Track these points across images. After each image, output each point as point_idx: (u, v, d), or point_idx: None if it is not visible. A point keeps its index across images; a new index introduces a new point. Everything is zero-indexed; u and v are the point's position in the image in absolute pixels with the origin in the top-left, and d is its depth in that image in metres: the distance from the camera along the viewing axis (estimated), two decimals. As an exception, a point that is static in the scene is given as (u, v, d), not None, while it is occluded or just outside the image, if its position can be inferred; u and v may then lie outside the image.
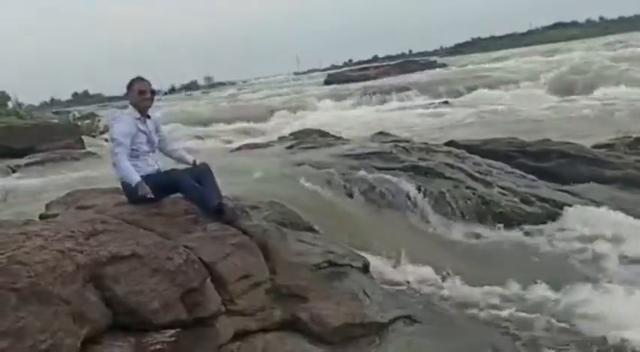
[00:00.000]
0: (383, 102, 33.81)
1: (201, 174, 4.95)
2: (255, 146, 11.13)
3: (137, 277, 3.79)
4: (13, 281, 3.25)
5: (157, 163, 5.07)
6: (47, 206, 5.42)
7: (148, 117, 5.07)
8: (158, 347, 3.65)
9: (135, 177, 4.73)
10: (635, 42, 43.91)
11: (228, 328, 4.11)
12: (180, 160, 5.29)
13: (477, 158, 9.37)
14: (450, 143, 10.50)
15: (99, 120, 23.89)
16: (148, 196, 4.72)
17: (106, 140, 5.06)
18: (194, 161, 5.17)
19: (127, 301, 3.65)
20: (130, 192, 4.88)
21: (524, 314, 4.67)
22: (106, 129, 20.17)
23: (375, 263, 5.36)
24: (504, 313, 4.70)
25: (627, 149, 9.86)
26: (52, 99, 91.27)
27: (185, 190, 4.88)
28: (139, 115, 4.98)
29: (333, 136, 11.22)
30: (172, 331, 3.78)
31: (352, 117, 27.30)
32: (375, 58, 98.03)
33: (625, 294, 5.00)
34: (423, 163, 8.26)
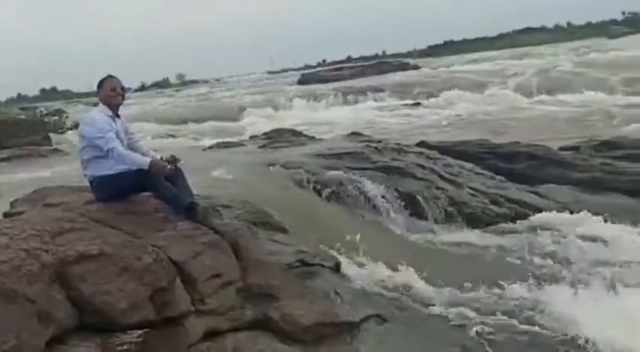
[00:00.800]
0: (357, 102, 33.94)
1: (172, 173, 4.88)
2: (228, 145, 11.05)
3: (104, 276, 3.73)
4: (-24, 281, 3.18)
5: None
6: (12, 203, 5.29)
7: (118, 116, 5.00)
8: (125, 347, 3.61)
9: (145, 160, 4.68)
10: (600, 47, 45.08)
11: (197, 328, 4.08)
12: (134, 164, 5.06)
13: (448, 159, 9.47)
14: (421, 144, 10.61)
15: (67, 117, 23.42)
16: (169, 168, 4.71)
17: (82, 137, 4.87)
18: (152, 161, 4.90)
19: (93, 301, 3.60)
20: (101, 189, 4.80)
21: (491, 315, 4.73)
22: (74, 126, 19.81)
23: (346, 263, 5.37)
24: (471, 313, 4.75)
25: (593, 152, 10.08)
26: (19, 95, 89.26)
27: (157, 189, 4.81)
28: (110, 113, 4.93)
29: (306, 136, 11.22)
30: (140, 331, 3.74)
31: (326, 118, 27.40)
32: (349, 59, 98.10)
33: (588, 294, 5.10)
34: (394, 163, 8.32)
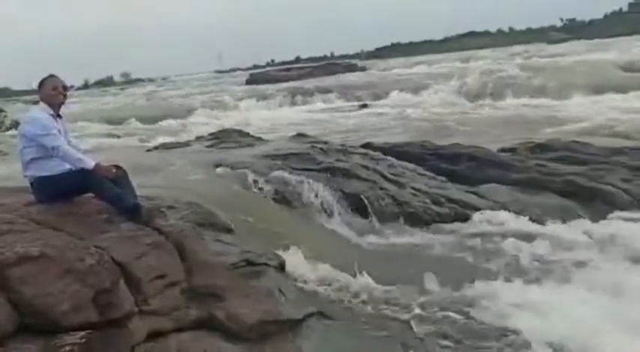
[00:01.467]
0: (305, 103, 34.17)
1: (118, 177, 4.88)
2: (173, 145, 10.98)
3: (46, 278, 3.71)
4: None
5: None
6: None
7: (60, 116, 4.95)
8: (67, 349, 3.59)
9: (90, 162, 4.65)
10: (539, 52, 46.91)
11: (141, 328, 4.10)
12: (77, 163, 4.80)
13: (392, 160, 9.68)
14: (366, 145, 10.80)
15: (5, 116, 22.65)
16: (113, 171, 4.74)
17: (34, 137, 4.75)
18: (97, 164, 4.78)
19: (34, 303, 3.58)
20: (42, 190, 4.74)
21: (429, 310, 4.94)
22: (13, 125, 19.18)
23: (290, 261, 5.47)
24: (410, 309, 4.95)
25: (529, 153, 10.51)
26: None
27: (100, 189, 4.79)
28: (51, 112, 4.88)
29: (253, 137, 11.25)
30: (83, 332, 3.73)
31: (273, 118, 27.43)
32: (298, 59, 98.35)
33: (520, 287, 5.40)
34: (339, 164, 8.47)
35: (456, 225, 7.67)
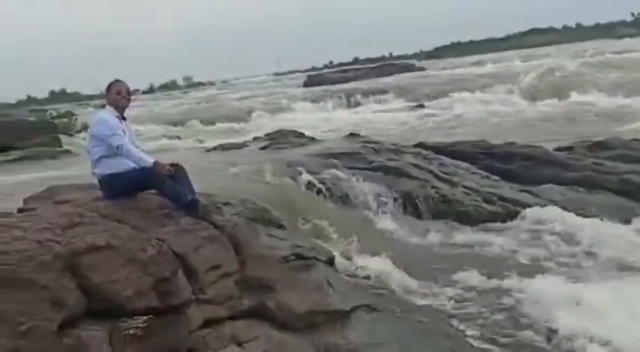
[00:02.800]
0: (360, 104, 34.17)
1: (177, 172, 5.20)
2: (230, 146, 11.34)
3: (112, 266, 4.03)
4: (-6, 269, 3.48)
5: None
6: (25, 201, 5.60)
7: (124, 118, 5.32)
8: (131, 332, 3.90)
9: (149, 161, 4.99)
10: (608, 48, 45.04)
11: (198, 315, 4.37)
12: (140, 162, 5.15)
13: (444, 159, 9.71)
14: (419, 145, 10.84)
15: (76, 119, 23.83)
16: (171, 169, 5.01)
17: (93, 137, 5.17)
18: (156, 161, 5.10)
19: (102, 288, 3.90)
20: (109, 186, 5.11)
21: (474, 305, 5.01)
22: (83, 128, 20.16)
23: (339, 256, 5.65)
24: (455, 304, 5.03)
25: (586, 152, 10.30)
26: (29, 97, 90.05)
27: (161, 186, 5.13)
28: (117, 114, 5.24)
29: (307, 137, 11.49)
30: (144, 317, 4.03)
31: (328, 120, 27.65)
32: (356, 60, 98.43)
33: (572, 285, 5.37)
34: (391, 163, 8.58)
35: (508, 224, 7.63)
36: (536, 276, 5.51)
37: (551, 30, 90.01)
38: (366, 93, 35.85)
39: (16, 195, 6.19)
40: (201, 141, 20.95)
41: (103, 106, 5.70)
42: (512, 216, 7.84)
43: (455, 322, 4.75)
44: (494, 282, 5.46)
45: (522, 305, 4.94)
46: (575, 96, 26.36)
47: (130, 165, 5.08)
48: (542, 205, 8.10)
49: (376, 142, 9.96)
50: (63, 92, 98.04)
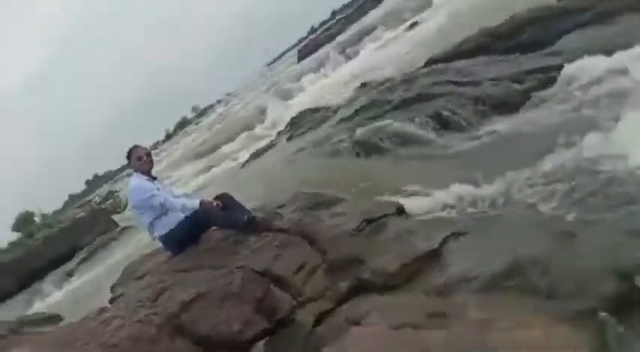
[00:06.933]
0: (358, 52, 33.65)
1: (224, 202, 5.30)
2: (261, 151, 11.44)
3: (210, 312, 4.18)
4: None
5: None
6: (111, 289, 5.87)
7: (155, 178, 5.44)
8: (257, 359, 4.04)
9: (195, 203, 5.12)
10: None
11: (307, 317, 4.46)
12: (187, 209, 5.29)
13: (459, 63, 9.49)
14: (428, 62, 10.63)
15: (118, 198, 24.57)
16: (215, 205, 5.14)
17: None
18: (201, 201, 5.24)
19: (211, 335, 4.05)
20: (171, 244, 5.27)
21: (561, 184, 4.81)
22: (127, 202, 20.75)
23: (405, 202, 5.62)
24: (535, 195, 4.88)
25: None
26: (71, 196, 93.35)
27: (215, 221, 5.25)
28: (146, 177, 5.37)
29: (324, 108, 11.43)
30: (262, 341, 4.17)
31: (336, 81, 27.32)
32: (334, 13, 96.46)
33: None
34: (408, 94, 8.45)
35: (545, 93, 7.37)
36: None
37: None
38: (357, 39, 35.27)
39: (104, 287, 6.48)
40: (234, 159, 21.17)
41: (130, 175, 5.86)
42: (548, 82, 7.57)
43: (547, 206, 4.61)
44: (574, 151, 5.22)
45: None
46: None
47: (180, 216, 5.22)
48: (571, 59, 7.78)
49: (387, 80, 9.82)
50: (97, 177, 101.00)
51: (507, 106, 7.64)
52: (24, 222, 45.01)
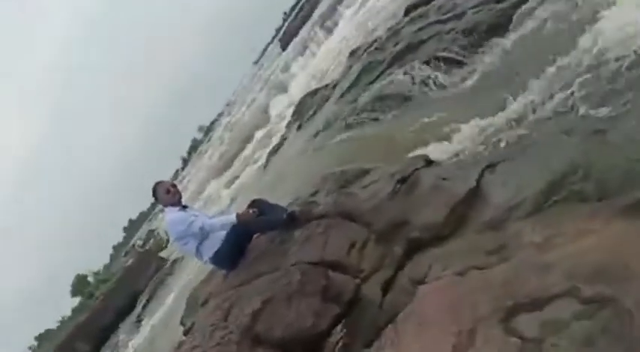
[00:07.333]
0: (337, 23, 33.18)
1: (258, 207, 5.37)
2: (276, 148, 11.47)
3: (280, 315, 4.24)
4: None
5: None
6: (182, 321, 6.00)
7: (185, 206, 5.52)
8: (339, 346, 4.07)
9: (231, 217, 5.22)
10: None
11: (374, 289, 4.49)
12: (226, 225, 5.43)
13: (438, 1, 9.28)
14: (408, 9, 10.45)
15: (158, 234, 24.95)
16: (251, 212, 5.23)
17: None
18: (237, 214, 5.34)
19: (286, 336, 4.12)
20: (222, 262, 5.36)
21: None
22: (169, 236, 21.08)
23: (431, 151, 5.59)
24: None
25: None
26: (114, 247, 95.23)
27: (257, 228, 5.33)
28: (178, 208, 5.45)
29: (322, 87, 11.38)
30: (339, 326, 4.21)
31: (324, 58, 27.06)
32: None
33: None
34: (398, 47, 8.35)
35: (528, 5, 7.17)
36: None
37: None
38: (333, 9, 34.84)
39: (175, 322, 6.63)
40: (255, 163, 21.26)
41: (162, 210, 5.95)
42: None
43: (570, 112, 4.53)
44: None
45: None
46: None
47: (222, 234, 5.30)
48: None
49: (374, 41, 9.71)
50: (132, 222, 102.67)
51: (497, 28, 7.46)
52: (80, 286, 46.22)
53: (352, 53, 10.94)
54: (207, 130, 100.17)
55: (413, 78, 7.39)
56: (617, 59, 4.64)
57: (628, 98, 4.16)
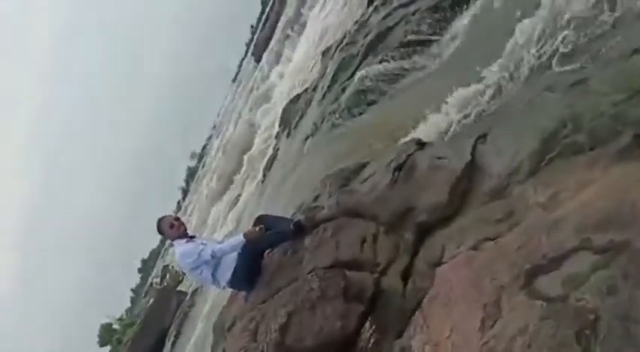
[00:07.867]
0: (307, 20, 32.91)
1: (264, 223, 5.39)
2: (271, 160, 11.48)
3: (307, 324, 4.25)
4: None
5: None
6: (212, 351, 6.00)
7: (192, 237, 5.52)
8: (371, 343, 4.08)
9: (240, 238, 5.22)
10: None
11: (394, 279, 4.49)
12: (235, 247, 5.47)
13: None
14: (370, 1, 10.50)
15: (173, 268, 24.95)
16: (258, 229, 5.23)
17: None
18: (244, 234, 5.34)
19: (317, 345, 4.13)
20: (239, 284, 5.38)
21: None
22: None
23: (420, 132, 5.60)
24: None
25: None
26: (134, 289, 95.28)
27: (266, 244, 5.35)
28: (185, 240, 5.46)
29: (303, 92, 11.40)
30: (367, 324, 4.21)
31: (302, 58, 27.00)
32: (264, 3, 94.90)
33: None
34: (370, 38, 8.39)
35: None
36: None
37: None
38: (298, 13, 34.69)
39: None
40: (254, 179, 21.23)
41: (171, 245, 5.97)
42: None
43: (548, 69, 4.53)
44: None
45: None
46: None
47: (233, 256, 5.31)
48: None
49: (344, 37, 9.74)
50: (144, 261, 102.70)
51: (461, 0, 7.50)
52: (106, 335, 46.21)
53: (324, 53, 10.97)
54: (200, 156, 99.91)
55: (388, 64, 7.42)
56: (581, 12, 4.65)
57: (598, 46, 4.18)
